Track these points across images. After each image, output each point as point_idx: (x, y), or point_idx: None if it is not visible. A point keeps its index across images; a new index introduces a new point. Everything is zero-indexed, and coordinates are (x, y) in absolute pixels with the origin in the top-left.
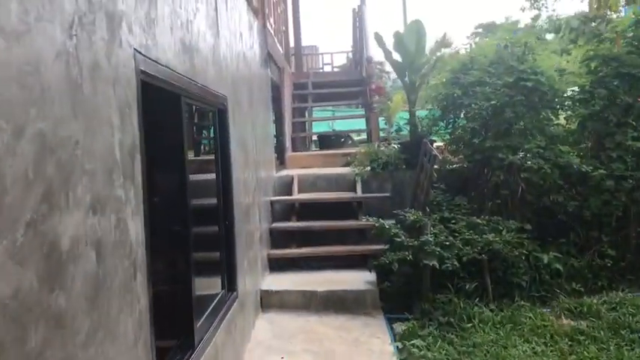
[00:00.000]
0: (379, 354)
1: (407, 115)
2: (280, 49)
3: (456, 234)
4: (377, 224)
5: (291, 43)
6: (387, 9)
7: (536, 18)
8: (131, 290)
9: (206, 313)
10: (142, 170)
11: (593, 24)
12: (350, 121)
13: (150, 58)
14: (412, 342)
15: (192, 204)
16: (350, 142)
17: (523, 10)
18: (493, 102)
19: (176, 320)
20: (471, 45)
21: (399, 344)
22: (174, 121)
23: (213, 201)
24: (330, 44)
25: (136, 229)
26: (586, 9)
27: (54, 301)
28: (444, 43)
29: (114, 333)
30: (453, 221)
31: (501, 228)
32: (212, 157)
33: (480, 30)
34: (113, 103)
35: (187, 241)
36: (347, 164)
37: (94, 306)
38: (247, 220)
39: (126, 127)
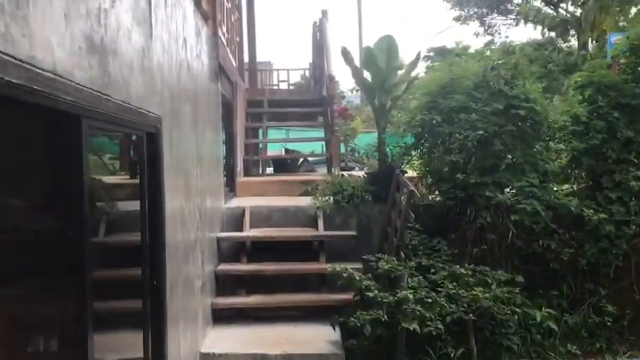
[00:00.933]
0: None
1: (367, 139)
2: (234, 61)
3: (439, 288)
4: (345, 274)
5: (245, 57)
6: (340, 28)
7: (489, 44)
8: None
9: None
10: None
11: (546, 51)
12: (307, 143)
13: (15, 58)
14: None
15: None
16: (307, 163)
17: (477, 35)
18: (480, 132)
19: None
20: (427, 68)
21: None
22: (71, 149)
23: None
24: (283, 61)
25: None
26: (538, 37)
27: None
28: (417, 63)
29: None
30: (433, 270)
31: (490, 281)
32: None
33: (432, 54)
34: None
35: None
36: (306, 193)
37: None
38: (187, 264)
39: None
